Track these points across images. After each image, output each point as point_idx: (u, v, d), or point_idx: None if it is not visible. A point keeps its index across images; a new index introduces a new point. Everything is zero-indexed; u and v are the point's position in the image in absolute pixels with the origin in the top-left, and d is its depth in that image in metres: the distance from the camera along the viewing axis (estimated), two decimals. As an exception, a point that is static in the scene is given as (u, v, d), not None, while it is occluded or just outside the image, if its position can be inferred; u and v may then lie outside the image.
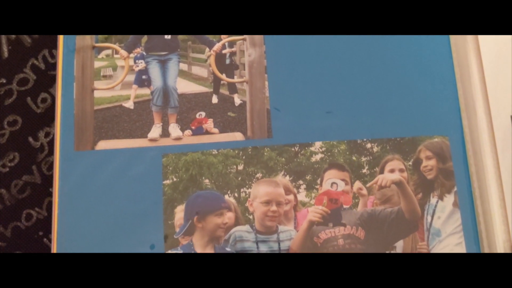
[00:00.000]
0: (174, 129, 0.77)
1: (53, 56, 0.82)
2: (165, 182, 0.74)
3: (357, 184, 0.74)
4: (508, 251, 0.70)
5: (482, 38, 0.78)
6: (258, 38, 0.79)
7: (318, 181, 0.75)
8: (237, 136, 0.77)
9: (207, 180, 0.75)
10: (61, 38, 0.78)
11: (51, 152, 0.79)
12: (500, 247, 0.71)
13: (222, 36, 0.80)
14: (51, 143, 0.80)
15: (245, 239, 0.72)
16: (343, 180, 0.74)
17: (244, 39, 0.79)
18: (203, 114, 0.78)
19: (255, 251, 0.72)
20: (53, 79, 0.81)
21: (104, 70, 0.81)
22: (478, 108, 0.77)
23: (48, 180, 0.78)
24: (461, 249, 0.71)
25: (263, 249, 0.72)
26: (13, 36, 0.83)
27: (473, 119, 0.76)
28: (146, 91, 0.79)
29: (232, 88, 0.80)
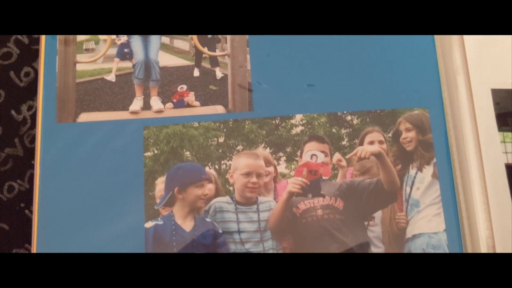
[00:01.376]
0: (156, 102, 0.77)
1: (36, 30, 0.82)
2: (146, 154, 0.74)
3: (337, 155, 0.74)
4: (486, 220, 0.71)
5: (464, 11, 0.78)
6: (239, 10, 0.78)
7: (298, 153, 0.75)
8: (218, 109, 0.77)
9: (188, 152, 0.75)
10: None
11: (33, 125, 0.80)
12: (479, 217, 0.72)
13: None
14: (33, 117, 0.80)
15: (225, 209, 0.73)
16: (323, 152, 0.74)
17: (225, 12, 0.79)
18: (185, 87, 0.78)
19: (234, 221, 0.72)
20: (36, 54, 0.82)
21: (86, 44, 0.81)
22: (458, 81, 0.77)
23: (30, 153, 0.79)
24: (440, 219, 0.71)
25: (243, 218, 0.72)
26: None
27: (454, 91, 0.77)
28: (128, 64, 0.80)
29: (214, 61, 0.80)
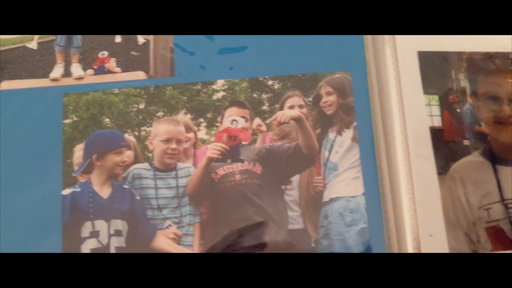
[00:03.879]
0: (76, 69, 0.76)
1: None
2: (65, 121, 0.74)
3: (257, 120, 0.74)
4: (408, 184, 0.70)
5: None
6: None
7: (219, 119, 0.74)
8: (140, 75, 0.76)
9: (107, 119, 0.74)
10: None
11: (-44, 94, 0.79)
12: (401, 180, 0.71)
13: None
14: (-44, 86, 0.79)
15: (143, 176, 0.72)
16: (243, 117, 0.73)
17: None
18: (106, 53, 0.77)
19: (152, 187, 0.72)
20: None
21: (8, 12, 0.80)
22: (383, 43, 0.75)
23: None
24: (359, 182, 0.70)
25: (161, 185, 0.72)
26: None
27: (378, 54, 0.75)
28: (49, 31, 0.78)
29: (137, 27, 0.79)
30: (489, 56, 0.77)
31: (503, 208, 0.71)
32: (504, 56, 0.77)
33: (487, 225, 0.71)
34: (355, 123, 0.72)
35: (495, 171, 0.73)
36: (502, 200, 0.71)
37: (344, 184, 0.71)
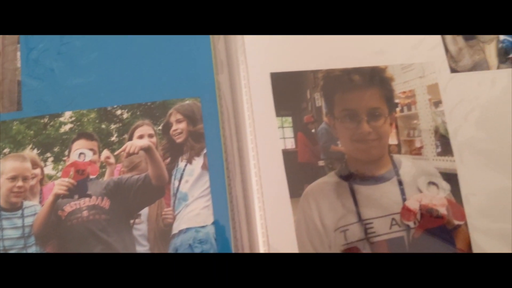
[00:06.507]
0: None
1: None
2: None
3: (105, 152, 0.71)
4: (260, 210, 0.68)
5: None
6: None
7: (66, 153, 0.72)
8: (-15, 110, 0.73)
9: (-50, 159, 0.71)
10: None
11: None
12: (255, 205, 0.69)
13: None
14: None
15: (-13, 217, 0.69)
16: (91, 149, 0.71)
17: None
18: None
19: (-4, 228, 0.69)
20: None
21: None
22: (234, 66, 0.74)
23: None
24: (209, 212, 0.68)
25: (6, 225, 0.69)
26: None
27: (230, 77, 0.74)
28: None
29: (-18, 60, 0.76)
30: (347, 73, 0.76)
31: (361, 229, 0.70)
32: (362, 71, 0.76)
33: (343, 247, 0.70)
34: (205, 150, 0.70)
35: (352, 191, 0.72)
36: (360, 220, 0.70)
37: (194, 214, 0.69)
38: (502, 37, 0.80)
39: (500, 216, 0.71)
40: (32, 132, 0.72)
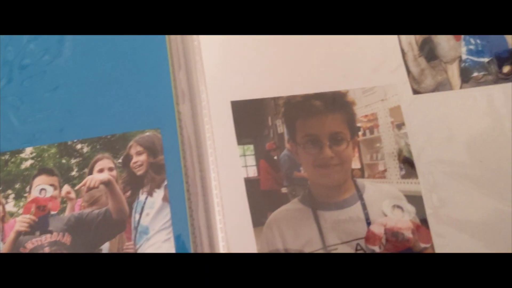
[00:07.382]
0: None
1: None
2: None
3: (66, 188, 0.71)
4: (223, 240, 0.68)
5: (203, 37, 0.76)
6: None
7: (27, 189, 0.71)
8: None
9: None
10: None
11: None
12: (218, 235, 0.69)
13: None
14: None
15: None
16: (52, 185, 0.71)
17: None
18: None
19: (-44, 269, 0.68)
20: None
21: None
22: (194, 96, 0.74)
23: None
24: (170, 244, 0.68)
25: (-33, 266, 0.68)
26: None
27: (192, 107, 0.74)
28: None
29: None
30: (308, 98, 0.76)
31: (326, 255, 0.70)
32: (323, 96, 0.76)
33: (308, 274, 0.69)
34: (166, 182, 0.70)
35: (316, 217, 0.71)
36: (324, 247, 0.70)
37: (155, 247, 0.68)
38: (464, 56, 0.81)
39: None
40: (-7, 169, 0.72)
